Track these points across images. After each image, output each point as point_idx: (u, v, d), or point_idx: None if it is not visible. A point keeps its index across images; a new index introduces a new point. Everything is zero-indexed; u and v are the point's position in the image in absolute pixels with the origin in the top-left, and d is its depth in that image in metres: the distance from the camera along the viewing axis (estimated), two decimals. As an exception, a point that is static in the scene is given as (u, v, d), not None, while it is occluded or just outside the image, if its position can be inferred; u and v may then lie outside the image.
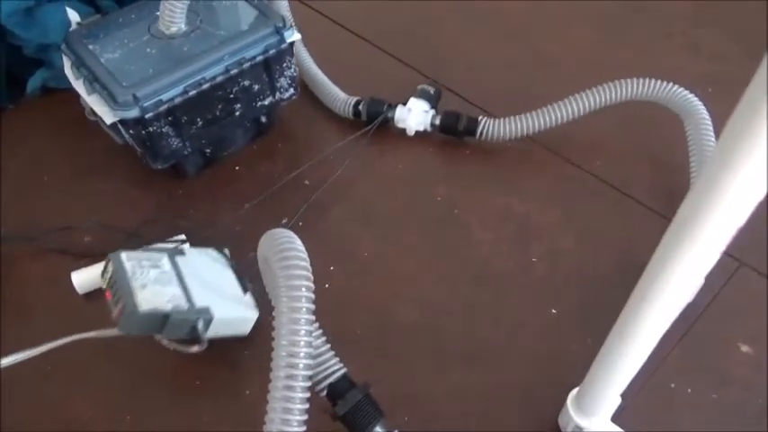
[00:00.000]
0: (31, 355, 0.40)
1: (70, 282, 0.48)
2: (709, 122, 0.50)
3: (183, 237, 0.50)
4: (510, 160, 0.56)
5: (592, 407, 0.35)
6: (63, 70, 0.53)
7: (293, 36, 0.52)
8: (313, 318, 0.31)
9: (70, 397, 0.43)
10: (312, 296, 0.31)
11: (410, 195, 0.54)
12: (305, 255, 0.32)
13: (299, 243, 0.32)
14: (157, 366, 0.44)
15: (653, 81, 0.52)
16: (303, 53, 0.61)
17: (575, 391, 0.37)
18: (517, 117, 0.54)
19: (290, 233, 0.33)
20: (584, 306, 0.45)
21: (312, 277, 0.31)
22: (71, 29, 0.54)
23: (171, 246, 0.47)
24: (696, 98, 0.52)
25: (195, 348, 0.41)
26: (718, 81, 0.58)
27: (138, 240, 0.50)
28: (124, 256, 0.42)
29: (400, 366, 0.43)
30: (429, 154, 0.57)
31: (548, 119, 0.53)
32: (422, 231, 0.51)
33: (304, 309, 0.30)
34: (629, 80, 0.52)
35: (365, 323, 0.46)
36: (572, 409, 0.37)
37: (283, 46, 0.52)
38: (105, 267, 0.41)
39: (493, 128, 0.54)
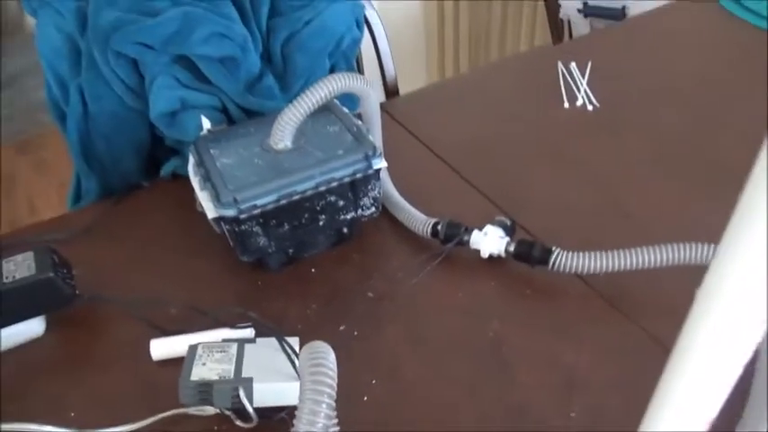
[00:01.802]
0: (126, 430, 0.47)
1: (148, 347, 0.54)
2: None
3: (250, 327, 0.55)
4: (568, 307, 0.57)
5: None
6: (189, 164, 0.63)
7: (380, 164, 0.59)
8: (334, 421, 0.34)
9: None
10: (330, 416, 0.34)
11: (464, 325, 0.56)
12: (333, 374, 0.35)
13: (331, 359, 0.36)
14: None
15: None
16: (387, 178, 0.67)
17: None
18: (591, 253, 0.55)
19: (327, 350, 0.36)
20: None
21: (335, 391, 0.34)
22: (201, 133, 0.64)
23: (244, 337, 0.53)
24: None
25: (241, 423, 0.46)
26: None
27: (213, 322, 0.56)
28: (200, 346, 0.49)
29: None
30: (491, 288, 0.60)
31: (620, 262, 0.54)
32: (467, 363, 0.53)
33: (321, 424, 0.33)
34: (709, 245, 0.52)
35: (394, 442, 0.47)
36: None
37: (370, 171, 0.58)
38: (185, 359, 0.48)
39: (566, 259, 0.56)
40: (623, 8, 1.33)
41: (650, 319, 0.54)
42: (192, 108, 0.68)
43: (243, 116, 0.71)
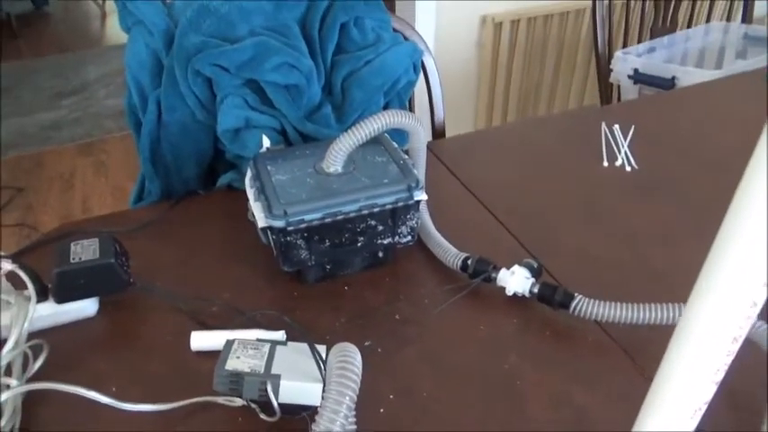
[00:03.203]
0: (161, 408, 0.52)
1: (188, 338, 0.59)
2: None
3: (282, 332, 0.59)
4: (584, 352, 0.59)
5: None
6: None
7: (421, 196, 0.63)
8: (352, 420, 0.38)
9: (154, 430, 0.52)
10: (351, 409, 0.38)
11: (482, 355, 0.59)
12: (359, 372, 0.39)
13: (358, 359, 0.39)
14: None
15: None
16: (425, 211, 0.71)
17: None
18: (612, 303, 0.58)
19: (355, 351, 0.40)
20: None
21: (357, 389, 0.38)
22: (261, 150, 0.70)
23: (276, 338, 0.57)
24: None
25: (264, 416, 0.49)
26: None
27: (250, 322, 0.60)
28: (236, 342, 0.53)
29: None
30: (512, 324, 0.62)
31: (640, 315, 0.57)
32: (481, 391, 0.56)
33: (342, 414, 0.37)
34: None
35: (404, 455, 0.50)
36: None
37: (411, 202, 0.63)
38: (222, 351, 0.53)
39: (587, 306, 0.58)
40: (673, 78, 1.36)
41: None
42: (254, 128, 0.75)
43: (299, 140, 0.77)
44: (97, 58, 3.31)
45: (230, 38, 0.75)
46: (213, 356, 0.57)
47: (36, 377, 0.54)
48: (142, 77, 0.79)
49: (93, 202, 2.25)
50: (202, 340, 0.59)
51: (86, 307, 0.63)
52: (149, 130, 0.79)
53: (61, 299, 0.61)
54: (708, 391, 0.23)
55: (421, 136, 0.68)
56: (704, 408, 0.24)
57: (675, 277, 0.67)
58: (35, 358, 0.56)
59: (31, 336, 0.57)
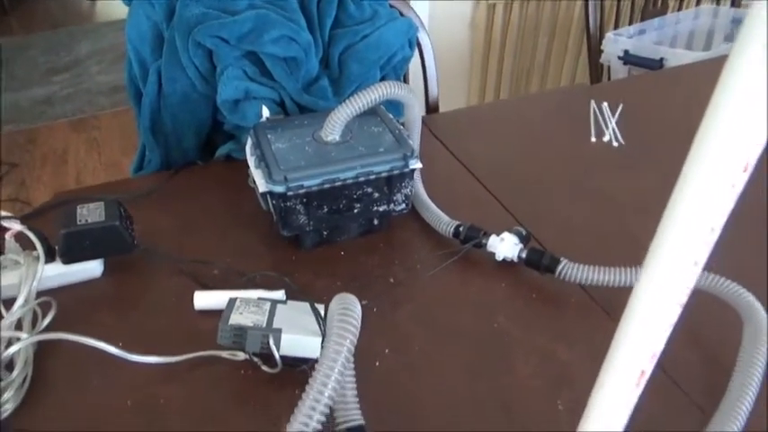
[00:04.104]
0: (167, 361, 0.55)
1: (191, 298, 0.62)
2: (765, 336, 0.54)
3: (282, 291, 0.62)
4: (568, 313, 0.62)
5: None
6: (245, 146, 0.71)
7: (416, 164, 0.66)
8: (351, 365, 0.41)
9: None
10: (351, 351, 0.41)
11: (471, 316, 0.62)
12: (358, 318, 0.42)
13: (358, 309, 0.42)
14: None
15: (722, 279, 0.57)
16: (419, 181, 0.74)
17: None
18: (595, 267, 0.61)
19: (355, 300, 0.43)
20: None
21: (357, 334, 0.41)
22: (261, 120, 0.72)
23: (276, 297, 0.60)
24: (761, 307, 0.55)
25: (266, 368, 0.52)
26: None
27: (251, 283, 0.63)
28: (239, 300, 0.56)
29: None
30: (501, 288, 0.66)
31: (621, 278, 0.60)
32: (471, 348, 0.59)
33: (343, 355, 0.40)
34: (707, 273, 0.57)
35: (395, 404, 0.53)
36: None
37: (406, 170, 0.65)
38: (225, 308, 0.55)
39: (571, 270, 0.62)
40: (661, 59, 1.39)
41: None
42: (253, 98, 0.77)
43: (297, 111, 0.79)
44: (89, 35, 3.29)
45: (230, 10, 0.76)
46: (216, 315, 0.60)
47: (45, 332, 0.56)
48: (143, 49, 0.80)
49: (87, 177, 2.26)
50: (205, 299, 0.61)
51: (92, 268, 0.65)
52: (150, 101, 0.80)
53: (68, 259, 0.63)
54: (666, 325, 0.26)
55: (416, 108, 0.70)
56: (658, 353, 0.27)
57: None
58: (44, 315, 0.58)
59: (40, 294, 0.60)
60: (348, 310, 0.41)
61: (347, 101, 0.64)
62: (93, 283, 0.65)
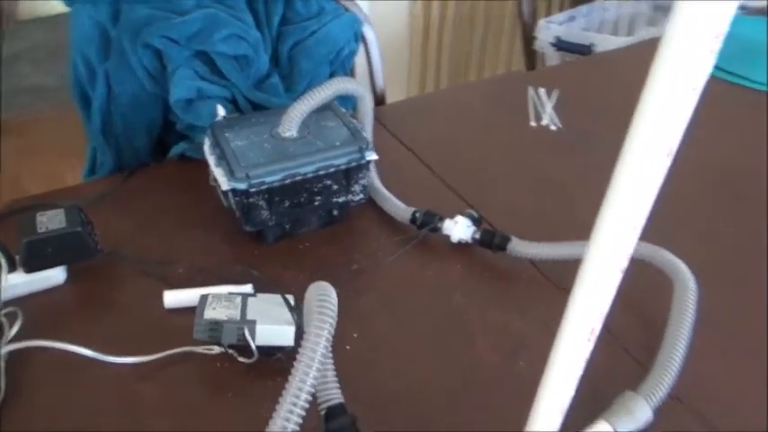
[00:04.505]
0: (143, 360, 0.56)
1: (160, 298, 0.63)
2: (694, 295, 0.60)
3: (250, 285, 0.64)
4: (520, 287, 0.67)
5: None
6: (201, 145, 0.72)
7: (372, 156, 0.69)
8: (329, 353, 0.43)
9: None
10: (331, 334, 0.44)
11: (431, 296, 0.66)
12: (335, 305, 0.44)
13: (334, 296, 0.45)
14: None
15: (655, 247, 0.63)
16: (374, 171, 0.77)
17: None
18: (542, 243, 0.66)
19: (331, 288, 0.46)
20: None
21: (336, 320, 0.44)
22: (216, 119, 0.73)
23: (246, 292, 0.62)
24: (687, 269, 0.62)
25: (243, 359, 0.55)
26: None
27: (219, 280, 0.65)
28: (210, 296, 0.58)
29: (380, 421, 0.53)
30: (457, 269, 0.70)
31: (566, 251, 0.65)
32: (431, 326, 0.63)
33: (324, 338, 0.43)
34: (645, 244, 0.63)
35: (367, 384, 0.57)
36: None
37: (363, 161, 0.68)
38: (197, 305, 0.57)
39: (521, 247, 0.67)
40: (591, 45, 1.47)
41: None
42: (207, 98, 0.78)
43: (250, 109, 0.81)
44: (11, 35, 3.13)
45: (177, 10, 0.77)
46: (187, 313, 0.61)
47: (15, 341, 0.57)
48: (89, 51, 0.79)
49: (25, 182, 2.17)
50: (175, 298, 0.63)
51: (55, 275, 0.65)
52: (100, 103, 0.80)
53: (31, 268, 0.63)
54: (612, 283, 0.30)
55: (368, 101, 0.73)
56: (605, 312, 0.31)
57: (595, 220, 0.76)
58: (11, 326, 0.58)
59: (5, 304, 0.60)
60: (325, 297, 0.44)
61: (303, 97, 0.67)
62: (57, 290, 0.65)
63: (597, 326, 0.32)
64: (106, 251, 0.67)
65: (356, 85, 0.68)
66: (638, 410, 0.51)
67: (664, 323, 0.60)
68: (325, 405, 0.46)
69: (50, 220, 0.63)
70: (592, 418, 0.52)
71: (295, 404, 0.40)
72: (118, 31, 0.77)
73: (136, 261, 0.68)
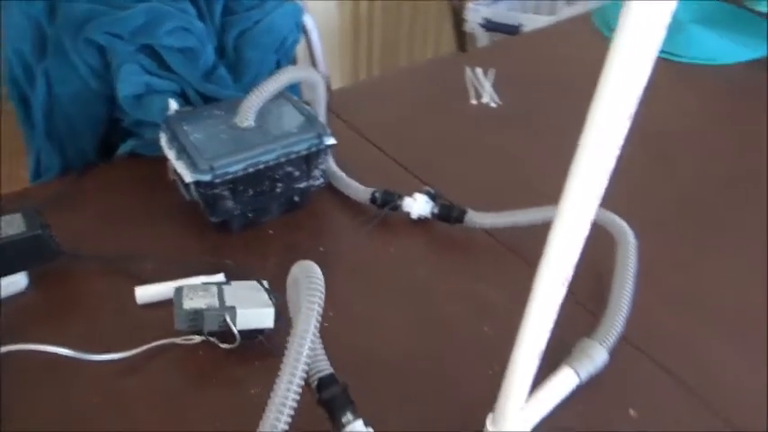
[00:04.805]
0: (124, 356, 0.56)
1: (131, 295, 0.63)
2: (635, 249, 0.66)
3: (222, 275, 0.65)
4: (479, 256, 0.72)
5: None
6: (150, 141, 0.72)
7: (330, 141, 0.71)
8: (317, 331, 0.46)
9: (120, 376, 0.57)
10: (321, 311, 0.46)
11: (397, 271, 0.69)
12: (322, 282, 0.47)
13: (320, 273, 0.47)
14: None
15: (601, 209, 0.69)
16: (329, 156, 0.79)
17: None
18: (496, 213, 0.71)
19: (316, 266, 0.48)
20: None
21: (324, 297, 0.46)
22: (169, 113, 0.73)
23: (220, 281, 0.63)
24: (628, 227, 0.68)
25: (225, 345, 0.56)
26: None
27: (188, 271, 0.65)
28: (185, 288, 0.58)
29: (368, 390, 0.56)
30: (419, 244, 0.73)
31: (519, 218, 0.70)
32: (399, 298, 0.66)
33: (314, 317, 0.45)
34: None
35: (347, 358, 0.59)
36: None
37: (321, 147, 0.70)
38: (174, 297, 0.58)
39: (477, 218, 0.71)
40: (519, 25, 1.53)
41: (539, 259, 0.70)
42: (155, 92, 0.77)
43: (200, 102, 0.81)
44: None
45: (116, 4, 0.75)
46: (161, 307, 0.62)
47: (-13, 349, 0.55)
48: (24, 48, 0.77)
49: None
50: (147, 293, 0.63)
51: (17, 281, 0.64)
52: (41, 104, 0.78)
53: (-8, 275, 0.61)
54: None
55: (321, 87, 0.75)
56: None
57: (543, 188, 0.81)
58: (-24, 335, 0.57)
59: (-33, 314, 0.58)
60: (312, 274, 0.46)
61: (258, 87, 0.68)
62: (20, 296, 0.64)
63: (570, 274, 0.37)
64: (68, 253, 0.66)
65: (310, 73, 0.70)
66: (596, 354, 0.57)
67: (610, 276, 0.66)
68: (316, 377, 0.48)
69: (8, 225, 0.62)
70: (555, 366, 0.57)
71: (291, 381, 0.42)
72: (56, 27, 0.74)
73: (101, 260, 0.67)
